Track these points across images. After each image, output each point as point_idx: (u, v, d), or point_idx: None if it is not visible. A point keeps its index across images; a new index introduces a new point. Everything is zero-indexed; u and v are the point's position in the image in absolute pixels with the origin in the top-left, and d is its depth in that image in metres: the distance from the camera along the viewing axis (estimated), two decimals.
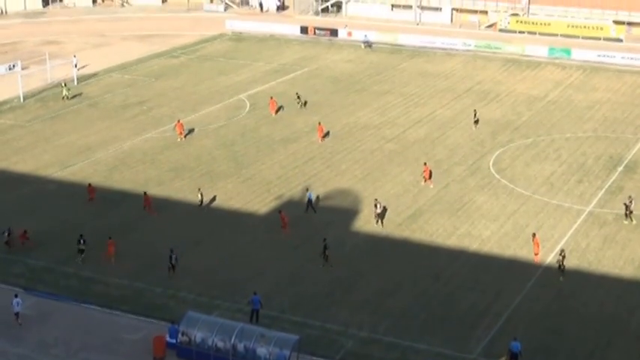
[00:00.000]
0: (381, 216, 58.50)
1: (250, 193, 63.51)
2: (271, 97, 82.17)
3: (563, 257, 51.76)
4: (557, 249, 54.20)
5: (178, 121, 74.97)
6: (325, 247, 53.23)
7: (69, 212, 60.62)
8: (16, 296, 47.28)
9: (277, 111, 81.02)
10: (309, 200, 60.47)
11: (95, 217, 59.82)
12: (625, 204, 59.33)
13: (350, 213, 60.38)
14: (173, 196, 62.98)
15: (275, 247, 55.69)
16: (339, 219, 59.58)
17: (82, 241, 53.52)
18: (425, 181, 64.88)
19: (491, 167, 68.30)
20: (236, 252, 55.09)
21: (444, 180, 65.81)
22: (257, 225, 58.86)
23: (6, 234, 55.12)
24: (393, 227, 58.27)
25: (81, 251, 53.53)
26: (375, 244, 56.17)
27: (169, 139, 73.83)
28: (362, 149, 71.77)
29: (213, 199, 62.76)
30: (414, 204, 61.73)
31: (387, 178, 66.32)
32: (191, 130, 75.74)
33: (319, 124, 74.65)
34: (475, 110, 78.81)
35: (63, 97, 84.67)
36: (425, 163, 66.32)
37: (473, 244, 55.97)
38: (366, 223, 58.85)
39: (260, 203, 61.89)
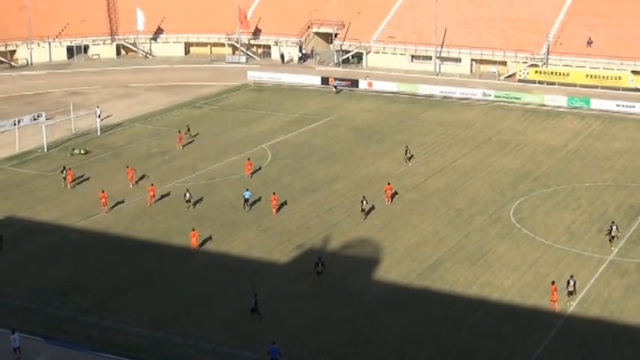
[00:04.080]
0: (367, 212, 66.64)
1: (271, 242, 63.25)
2: (179, 131, 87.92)
3: (574, 283, 53.64)
4: (579, 298, 53.63)
5: (127, 166, 76.84)
6: (317, 264, 56.43)
7: (90, 261, 60.51)
8: (13, 332, 47.82)
9: (184, 146, 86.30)
10: (246, 199, 68.90)
11: (116, 266, 59.69)
12: (608, 229, 61.96)
13: (370, 262, 59.94)
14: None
15: (295, 296, 55.20)
16: (359, 268, 59.16)
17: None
18: (387, 200, 69.96)
19: (511, 216, 67.81)
20: (257, 298, 54.56)
21: (465, 229, 65.36)
22: (277, 274, 58.50)
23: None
24: (414, 277, 57.76)
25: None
26: (396, 294, 55.61)
27: (191, 189, 73.77)
28: (382, 199, 71.40)
29: (200, 199, 70.49)
30: (434, 253, 61.25)
31: (407, 227, 65.94)
32: (141, 178, 76.58)
33: (248, 159, 78.93)
34: (407, 146, 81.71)
35: (73, 154, 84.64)
36: (388, 183, 71.00)
37: (494, 294, 55.33)
38: (386, 272, 58.39)
39: (280, 252, 61.59)
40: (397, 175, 77.54)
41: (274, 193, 68.98)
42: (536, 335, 50.19)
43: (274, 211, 68.11)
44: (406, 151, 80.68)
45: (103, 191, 69.89)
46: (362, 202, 67.58)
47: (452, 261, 60.02)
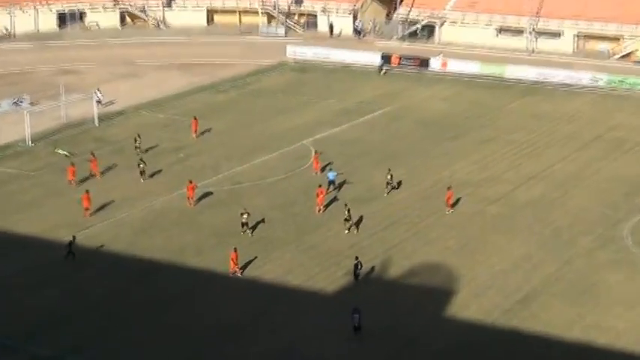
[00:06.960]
0: (355, 224, 68.98)
1: (314, 266, 63.23)
2: (194, 117, 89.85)
3: None
4: None
5: (92, 155, 79.10)
6: (356, 266, 60.54)
7: (84, 287, 60.84)
8: None
9: (202, 133, 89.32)
10: (331, 181, 74.81)
11: (117, 293, 59.91)
12: None
13: (441, 296, 59.65)
14: (215, 268, 62.89)
15: (342, 337, 54.74)
16: (426, 303, 58.85)
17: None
18: (448, 208, 71.57)
19: (626, 238, 67.27)
20: (295, 337, 54.60)
21: (566, 254, 64.95)
22: (321, 306, 58.37)
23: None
24: (498, 314, 57.38)
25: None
26: (474, 336, 55.24)
27: (213, 196, 73.99)
28: (458, 212, 71.27)
29: (262, 220, 69.44)
30: (525, 284, 60.84)
31: (490, 250, 65.64)
32: (108, 169, 78.71)
33: (315, 151, 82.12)
34: (389, 169, 76.33)
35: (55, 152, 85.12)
36: (449, 188, 71.97)
37: (602, 338, 54.78)
38: (462, 308, 58.04)
39: (326, 280, 61.56)
40: (477, 182, 77.21)
41: (320, 186, 72.36)
42: None
43: (321, 207, 71.42)
44: (390, 177, 75.49)
45: (87, 191, 71.22)
46: (348, 209, 68.69)
47: (548, 294, 59.62)
